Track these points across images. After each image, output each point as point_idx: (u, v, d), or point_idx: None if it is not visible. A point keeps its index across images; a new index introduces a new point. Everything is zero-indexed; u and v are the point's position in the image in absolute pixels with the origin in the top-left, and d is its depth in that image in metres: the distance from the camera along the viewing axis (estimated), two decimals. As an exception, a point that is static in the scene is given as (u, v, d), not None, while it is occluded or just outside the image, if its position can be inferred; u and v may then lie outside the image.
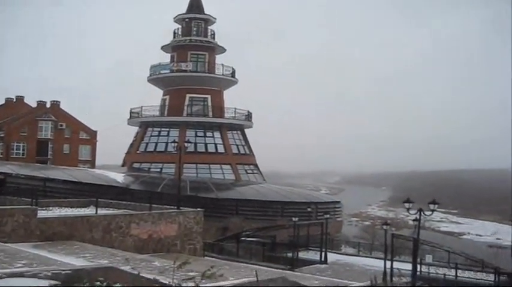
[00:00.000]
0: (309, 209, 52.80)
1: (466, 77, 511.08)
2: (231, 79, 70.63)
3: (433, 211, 29.13)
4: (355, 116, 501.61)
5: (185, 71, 68.15)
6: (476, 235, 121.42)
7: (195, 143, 63.53)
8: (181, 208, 31.17)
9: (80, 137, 79.80)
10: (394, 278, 33.99)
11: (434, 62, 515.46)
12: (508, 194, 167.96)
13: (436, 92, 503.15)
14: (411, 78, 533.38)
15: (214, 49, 70.55)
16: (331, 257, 43.54)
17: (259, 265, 36.46)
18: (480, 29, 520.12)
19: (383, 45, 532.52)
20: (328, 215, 46.30)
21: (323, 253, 42.10)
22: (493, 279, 34.26)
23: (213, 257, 36.17)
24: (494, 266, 34.78)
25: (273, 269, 28.86)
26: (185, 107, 68.04)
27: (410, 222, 38.06)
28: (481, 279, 34.68)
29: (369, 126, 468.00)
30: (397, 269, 34.81)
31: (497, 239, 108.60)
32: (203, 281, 8.35)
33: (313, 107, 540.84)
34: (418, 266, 33.81)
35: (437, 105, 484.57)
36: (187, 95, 68.45)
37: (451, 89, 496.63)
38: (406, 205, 29.63)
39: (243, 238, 46.68)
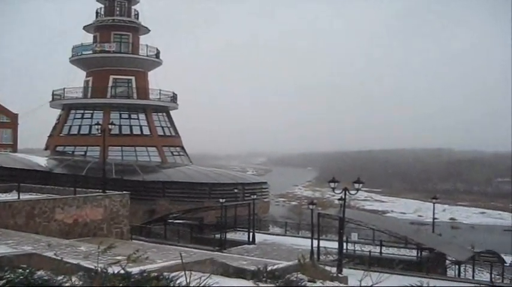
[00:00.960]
0: (236, 191, 52.92)
1: (383, 54, 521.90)
2: (155, 60, 69.57)
3: (357, 190, 29.61)
4: (285, 100, 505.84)
5: (108, 51, 66.60)
6: (400, 212, 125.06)
7: (120, 126, 62.29)
8: (107, 191, 30.61)
9: (0, 121, 77.19)
10: (321, 257, 34.57)
11: (347, 41, 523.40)
12: (429, 173, 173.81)
13: (358, 71, 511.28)
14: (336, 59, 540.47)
15: (138, 29, 69.19)
16: (259, 237, 43.84)
17: (187, 247, 36.31)
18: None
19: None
20: (255, 196, 46.54)
21: (251, 234, 42.35)
22: (415, 254, 35.26)
23: (140, 240, 35.79)
24: (416, 242, 35.72)
25: (201, 251, 28.78)
26: (109, 89, 66.62)
27: (336, 201, 38.59)
28: (405, 255, 35.63)
29: (298, 110, 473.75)
30: (324, 247, 35.43)
31: (419, 216, 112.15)
32: (129, 264, 8.13)
33: (246, 92, 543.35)
34: (344, 244, 34.39)
35: (358, 86, 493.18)
36: (111, 77, 67.00)
37: (368, 67, 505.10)
38: (332, 184, 29.98)
39: (170, 221, 46.42)
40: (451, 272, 35.74)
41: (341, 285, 18.14)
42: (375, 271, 18.59)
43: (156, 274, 11.11)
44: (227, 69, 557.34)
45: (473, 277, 33.12)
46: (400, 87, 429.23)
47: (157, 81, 68.94)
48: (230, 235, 42.89)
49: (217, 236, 41.18)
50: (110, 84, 66.74)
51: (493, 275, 32.87)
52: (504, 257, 39.79)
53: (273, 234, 49.47)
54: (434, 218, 46.61)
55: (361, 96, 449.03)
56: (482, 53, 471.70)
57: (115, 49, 66.88)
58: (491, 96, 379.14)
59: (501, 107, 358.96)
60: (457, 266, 34.80)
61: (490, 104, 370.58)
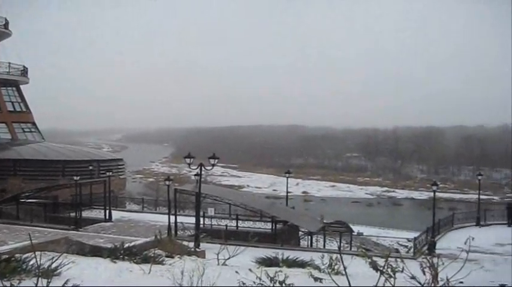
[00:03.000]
0: (90, 168, 51.76)
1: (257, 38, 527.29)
2: (3, 31, 65.89)
3: (213, 165, 29.99)
4: (144, 76, 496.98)
5: None
6: (256, 187, 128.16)
7: (-36, 100, 58.65)
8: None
9: None
10: (178, 232, 34.78)
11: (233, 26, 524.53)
12: (283, 149, 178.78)
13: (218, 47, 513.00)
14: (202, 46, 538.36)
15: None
16: (116, 214, 43.34)
17: (41, 226, 35.25)
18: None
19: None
20: (110, 173, 45.85)
21: (107, 211, 41.77)
22: (270, 227, 36.35)
23: (-11, 221, 34.22)
24: (271, 215, 36.78)
25: (56, 230, 28.09)
26: (-49, 61, 62.27)
27: (193, 177, 38.82)
28: (260, 228, 36.59)
29: (155, 87, 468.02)
30: (181, 223, 35.67)
31: (274, 190, 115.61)
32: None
33: (104, 68, 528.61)
34: (201, 219, 34.80)
35: (217, 62, 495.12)
36: (-47, 48, 62.64)
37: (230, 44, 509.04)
38: (187, 160, 30.15)
39: (22, 200, 44.55)
40: (304, 243, 37.23)
41: (199, 259, 18.42)
42: (232, 244, 19.14)
43: (7, 256, 10.75)
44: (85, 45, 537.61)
45: (324, 246, 34.71)
46: (264, 65, 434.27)
47: (11, 54, 65.02)
48: (86, 213, 42.03)
49: (73, 214, 40.16)
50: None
51: (341, 244, 34.70)
52: (352, 227, 42.02)
53: (130, 211, 49.07)
54: (287, 192, 48.20)
55: (220, 72, 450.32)
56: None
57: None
58: (343, 77, 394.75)
59: (351, 86, 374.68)
60: (309, 237, 36.34)
61: (341, 83, 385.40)
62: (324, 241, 35.51)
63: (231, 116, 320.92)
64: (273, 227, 36.26)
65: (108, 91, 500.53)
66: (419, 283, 9.97)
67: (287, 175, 47.10)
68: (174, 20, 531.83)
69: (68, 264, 11.48)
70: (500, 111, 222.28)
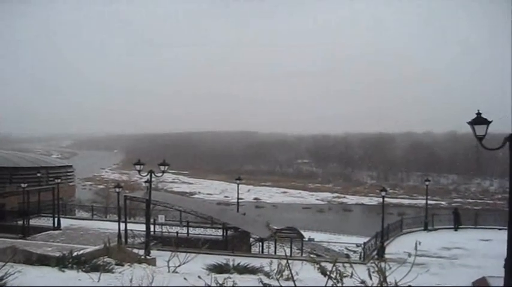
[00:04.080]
0: (39, 175, 50.85)
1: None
2: None
3: (163, 172, 29.76)
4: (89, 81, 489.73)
5: None
6: (207, 194, 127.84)
7: None
8: None
9: None
10: (129, 240, 34.43)
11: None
12: (235, 155, 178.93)
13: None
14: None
15: None
16: (65, 222, 42.67)
17: (-14, 235, 34.36)
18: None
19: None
20: (59, 180, 45.10)
21: (56, 219, 41.09)
22: (221, 234, 36.33)
23: None
24: (222, 222, 36.79)
25: (3, 239, 27.41)
26: None
27: (144, 184, 38.54)
28: (211, 234, 36.55)
29: (101, 92, 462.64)
30: (131, 230, 35.34)
31: (226, 197, 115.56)
32: None
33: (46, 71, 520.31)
34: (152, 226, 34.56)
35: (169, 68, 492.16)
36: None
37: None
38: (137, 167, 29.92)
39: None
40: (255, 249, 37.33)
41: (149, 266, 18.26)
42: (182, 252, 19.03)
43: None
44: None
45: (275, 252, 34.84)
46: (206, 72, 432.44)
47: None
48: (34, 221, 41.33)
49: (20, 222, 39.38)
50: None
51: (293, 250, 34.91)
52: (303, 233, 42.31)
53: (80, 218, 48.42)
54: (238, 199, 48.26)
55: (169, 77, 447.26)
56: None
57: None
58: (296, 83, 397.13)
59: (303, 93, 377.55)
60: (260, 243, 36.44)
61: (293, 90, 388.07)
62: (275, 247, 35.63)
63: (182, 122, 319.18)
64: (224, 234, 36.26)
65: (62, 96, 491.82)
66: (369, 288, 10.12)
67: (238, 181, 47.14)
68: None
69: (14, 274, 11.23)
70: (448, 119, 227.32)
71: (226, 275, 10.74)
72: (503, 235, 11.80)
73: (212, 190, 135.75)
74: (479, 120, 11.51)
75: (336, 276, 7.22)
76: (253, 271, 17.25)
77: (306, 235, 43.37)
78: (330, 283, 7.20)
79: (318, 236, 45.70)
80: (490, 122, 11.42)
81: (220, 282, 7.45)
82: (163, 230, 37.01)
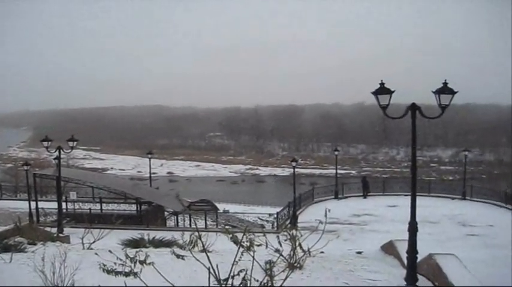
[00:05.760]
0: None
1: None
2: None
3: (72, 148, 29.18)
4: None
5: None
6: (120, 169, 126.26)
7: None
8: None
9: None
10: (40, 218, 33.75)
11: None
12: (147, 129, 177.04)
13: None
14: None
15: None
16: (-29, 203, 41.29)
17: None
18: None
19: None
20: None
21: (-39, 200, 39.73)
22: (135, 209, 36.13)
23: None
24: (135, 197, 36.53)
25: None
26: None
27: (54, 161, 37.67)
28: (125, 210, 36.23)
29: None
30: (42, 208, 34.59)
31: (139, 172, 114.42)
32: None
33: None
34: (64, 203, 33.92)
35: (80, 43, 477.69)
36: None
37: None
38: (45, 143, 29.27)
39: None
40: (170, 223, 37.37)
41: (63, 244, 18.06)
42: (96, 228, 18.93)
43: None
44: None
45: (190, 225, 34.98)
46: (127, 47, 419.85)
47: None
48: None
49: None
50: None
51: (208, 222, 35.23)
52: (218, 205, 42.64)
53: (-13, 199, 46.87)
54: (151, 173, 48.07)
55: (80, 52, 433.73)
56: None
57: None
58: (206, 57, 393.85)
59: (213, 67, 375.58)
60: (175, 217, 36.53)
61: (203, 64, 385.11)
62: (190, 220, 35.80)
63: (90, 97, 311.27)
64: (138, 209, 36.08)
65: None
66: (282, 255, 10.49)
67: (149, 155, 46.88)
68: None
69: None
70: (356, 91, 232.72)
71: (141, 249, 10.83)
72: (409, 200, 12.39)
73: (125, 165, 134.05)
74: (382, 90, 11.92)
75: (248, 245, 7.44)
76: (168, 244, 17.41)
77: (221, 207, 43.70)
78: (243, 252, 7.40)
79: (232, 208, 46.13)
80: (393, 91, 11.85)
81: (131, 256, 7.54)
82: (76, 207, 36.41)
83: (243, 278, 7.15)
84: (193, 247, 9.79)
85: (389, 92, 11.85)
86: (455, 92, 11.74)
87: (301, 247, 11.72)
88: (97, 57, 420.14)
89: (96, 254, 9.41)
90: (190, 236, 10.10)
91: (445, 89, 11.73)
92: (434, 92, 11.83)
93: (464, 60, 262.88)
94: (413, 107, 11.89)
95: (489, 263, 22.74)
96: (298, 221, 32.89)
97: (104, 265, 7.46)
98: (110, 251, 8.55)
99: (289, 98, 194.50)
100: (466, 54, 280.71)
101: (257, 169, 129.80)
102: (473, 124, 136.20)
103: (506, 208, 39.25)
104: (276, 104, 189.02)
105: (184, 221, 36.66)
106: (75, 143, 29.03)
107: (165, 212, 38.20)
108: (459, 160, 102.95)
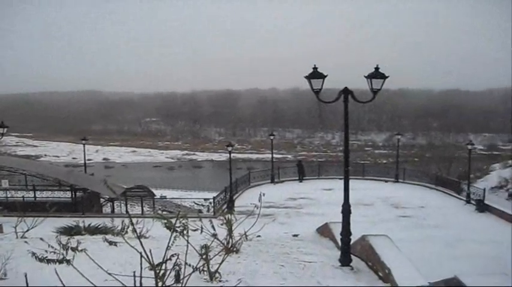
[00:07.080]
0: None
1: None
2: None
3: (2, 134, 28.34)
4: None
5: None
6: (54, 156, 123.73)
7: None
8: None
9: None
10: (-30, 207, 32.83)
11: None
12: (82, 115, 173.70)
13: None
14: None
15: None
16: None
17: None
18: None
19: None
20: None
21: None
22: (70, 196, 35.57)
23: None
24: (70, 183, 35.95)
25: None
26: None
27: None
28: (60, 197, 35.62)
29: None
30: (-27, 198, 33.67)
31: (74, 158, 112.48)
32: None
33: None
34: (-5, 192, 33.15)
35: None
36: None
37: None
38: (-30, 131, 28.37)
39: None
40: (106, 209, 36.98)
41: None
42: (30, 216, 18.54)
43: None
44: None
45: (126, 211, 34.72)
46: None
47: None
48: None
49: None
50: None
51: (145, 208, 35.06)
52: (155, 191, 42.45)
53: None
54: (85, 159, 47.35)
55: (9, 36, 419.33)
56: None
57: None
58: (141, 43, 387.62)
59: (149, 53, 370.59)
60: (111, 203, 36.16)
61: (139, 49, 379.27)
62: (126, 206, 35.53)
63: (20, 83, 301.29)
64: (73, 196, 35.54)
65: None
66: (218, 239, 10.58)
67: (84, 141, 46.18)
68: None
69: None
70: (292, 75, 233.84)
71: (70, 237, 10.74)
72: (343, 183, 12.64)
73: (59, 152, 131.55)
74: (315, 74, 12.03)
75: (181, 230, 7.47)
76: (105, 231, 17.25)
77: (158, 193, 43.58)
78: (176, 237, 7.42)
79: (169, 194, 46.14)
80: (326, 76, 11.96)
81: (63, 243, 7.48)
82: (8, 196, 35.59)
83: (175, 263, 7.20)
84: (126, 233, 9.75)
85: (322, 76, 11.95)
86: (387, 77, 11.94)
87: (234, 231, 11.82)
88: (29, 42, 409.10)
89: (25, 242, 9.28)
90: (122, 222, 10.05)
91: (376, 74, 11.91)
92: (366, 77, 12.00)
93: (396, 45, 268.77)
94: (346, 91, 12.05)
95: (420, 242, 23.50)
96: (235, 205, 33.04)
97: (35, 254, 7.38)
98: (41, 239, 8.45)
99: (225, 84, 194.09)
100: (398, 37, 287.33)
101: (194, 154, 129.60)
102: (406, 109, 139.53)
103: (437, 189, 40.53)
104: (213, 89, 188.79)
105: (120, 207, 36.38)
106: (5, 129, 28.25)
107: (101, 199, 37.79)
108: (392, 144, 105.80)
